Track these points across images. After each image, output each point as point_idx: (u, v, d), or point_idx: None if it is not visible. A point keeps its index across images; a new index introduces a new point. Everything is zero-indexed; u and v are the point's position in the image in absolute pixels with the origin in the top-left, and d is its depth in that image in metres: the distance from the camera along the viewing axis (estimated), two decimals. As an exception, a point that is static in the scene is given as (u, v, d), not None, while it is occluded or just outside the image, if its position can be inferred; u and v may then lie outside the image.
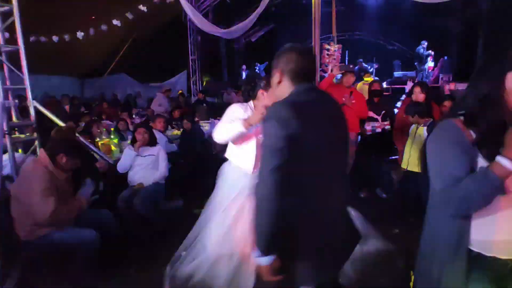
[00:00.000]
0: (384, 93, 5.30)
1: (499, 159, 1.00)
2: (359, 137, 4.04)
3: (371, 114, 3.87)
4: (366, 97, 4.05)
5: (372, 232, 2.24)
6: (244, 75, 11.75)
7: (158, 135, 3.80)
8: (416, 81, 8.52)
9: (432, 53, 9.44)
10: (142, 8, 6.02)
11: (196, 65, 10.15)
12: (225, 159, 2.23)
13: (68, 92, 8.23)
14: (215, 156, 4.72)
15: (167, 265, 2.37)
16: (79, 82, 10.62)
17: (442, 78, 8.89)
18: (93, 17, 6.00)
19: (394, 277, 2.40)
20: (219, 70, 11.90)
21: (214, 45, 10.68)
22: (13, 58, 3.22)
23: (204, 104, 7.52)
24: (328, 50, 6.82)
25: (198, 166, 4.29)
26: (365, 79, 6.87)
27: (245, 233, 1.81)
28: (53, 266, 2.40)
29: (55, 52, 6.77)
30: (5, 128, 2.87)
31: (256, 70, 12.31)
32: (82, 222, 2.45)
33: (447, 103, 3.52)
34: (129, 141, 3.66)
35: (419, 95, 3.22)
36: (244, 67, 11.95)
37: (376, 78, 8.96)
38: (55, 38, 5.78)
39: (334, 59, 6.34)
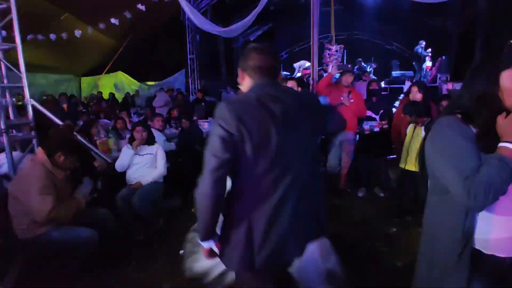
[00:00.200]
0: (382, 93, 5.32)
1: (506, 144, 1.05)
2: (357, 136, 4.05)
3: (369, 113, 3.88)
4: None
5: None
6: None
7: (156, 134, 3.79)
8: (414, 80, 8.55)
9: (430, 52, 9.47)
10: (140, 6, 6.00)
11: (195, 64, 10.14)
12: None
13: (66, 90, 8.21)
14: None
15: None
16: (77, 80, 10.58)
17: (440, 78, 8.92)
18: (91, 16, 5.98)
19: (392, 275, 2.41)
20: (218, 69, 11.89)
21: (212, 44, 10.66)
22: (11, 56, 3.21)
23: (203, 103, 7.52)
24: (329, 49, 6.84)
25: (196, 165, 4.28)
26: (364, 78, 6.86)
27: None
28: (51, 264, 2.40)
29: (52, 51, 6.75)
30: (2, 126, 2.86)
31: None
32: (81, 220, 2.45)
33: (445, 103, 3.54)
34: (127, 140, 3.65)
35: (416, 95, 3.23)
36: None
37: (374, 77, 8.98)
38: (52, 37, 5.74)
39: (336, 59, 6.36)
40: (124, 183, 3.35)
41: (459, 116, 1.16)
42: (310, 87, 4.63)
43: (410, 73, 9.99)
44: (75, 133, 3.50)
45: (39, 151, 2.46)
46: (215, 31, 7.35)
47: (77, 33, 5.77)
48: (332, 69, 3.79)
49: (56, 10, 5.86)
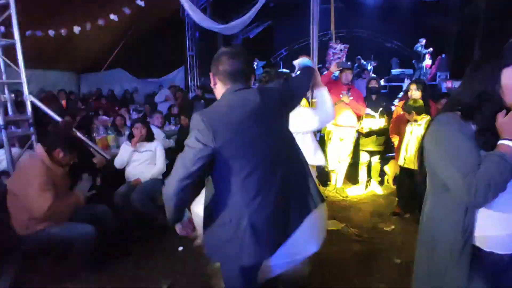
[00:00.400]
0: (382, 91, 5.31)
1: (506, 141, 1.05)
2: (356, 134, 4.06)
3: (368, 111, 3.89)
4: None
5: None
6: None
7: (155, 130, 3.79)
8: (413, 78, 8.54)
9: (431, 49, 9.45)
10: (140, 2, 5.97)
11: (194, 61, 10.10)
12: None
13: (65, 87, 8.18)
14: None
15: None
16: (76, 77, 10.55)
17: (439, 76, 8.92)
18: (90, 12, 5.94)
19: (390, 272, 2.42)
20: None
21: (212, 41, 10.62)
22: (9, 52, 3.20)
23: (202, 100, 7.50)
24: (334, 48, 6.81)
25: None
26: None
27: None
28: (50, 260, 2.41)
29: (51, 47, 6.72)
30: (1, 122, 2.85)
31: (254, 66, 12.28)
32: (79, 217, 2.45)
33: (444, 101, 3.55)
34: (126, 137, 3.65)
35: (415, 93, 3.23)
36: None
37: (374, 75, 8.96)
38: (51, 33, 5.71)
39: (339, 58, 6.34)
40: (123, 179, 3.35)
41: (459, 113, 1.16)
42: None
43: (410, 71, 9.98)
44: (74, 129, 3.50)
45: (38, 147, 2.46)
46: (215, 28, 7.32)
47: (76, 29, 5.74)
48: (332, 66, 3.78)
49: (55, 6, 5.82)
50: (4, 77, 3.14)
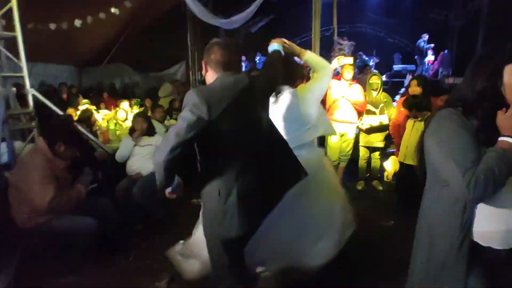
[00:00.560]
0: (383, 86, 5.28)
1: (506, 138, 1.06)
2: (357, 130, 4.06)
3: (369, 107, 3.88)
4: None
5: None
6: (243, 66, 11.67)
7: (156, 125, 3.79)
8: (415, 74, 8.50)
9: (433, 45, 9.39)
10: (141, -4, 5.94)
11: (195, 55, 10.06)
12: None
13: (66, 80, 8.16)
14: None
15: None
16: (77, 70, 10.52)
17: (441, 72, 8.87)
18: (91, 5, 5.90)
19: (390, 268, 2.44)
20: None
21: (213, 36, 10.57)
22: (11, 46, 3.19)
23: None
24: (340, 44, 6.78)
25: (196, 156, 4.28)
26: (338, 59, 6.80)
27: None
28: (51, 253, 2.43)
29: (52, 40, 6.69)
30: (3, 116, 2.86)
31: (257, 61, 12.21)
32: (81, 210, 2.47)
33: (445, 98, 3.53)
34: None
35: (415, 89, 3.22)
36: (243, 58, 11.86)
37: (376, 71, 8.92)
38: (52, 26, 5.68)
39: (344, 55, 6.31)
40: (124, 173, 3.36)
41: (460, 108, 1.16)
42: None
43: (412, 67, 9.93)
44: (75, 123, 3.51)
45: (40, 140, 2.47)
46: (216, 22, 7.27)
47: (77, 22, 5.71)
48: (333, 62, 3.77)
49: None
50: (5, 70, 3.14)
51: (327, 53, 6.62)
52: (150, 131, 3.42)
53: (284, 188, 1.56)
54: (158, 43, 9.66)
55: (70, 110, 4.36)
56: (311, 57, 2.01)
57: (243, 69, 12.44)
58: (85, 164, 2.81)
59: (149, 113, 4.25)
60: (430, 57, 9.51)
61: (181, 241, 2.79)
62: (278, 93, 1.99)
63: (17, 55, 3.15)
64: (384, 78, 9.03)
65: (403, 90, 7.85)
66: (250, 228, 1.46)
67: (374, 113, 3.87)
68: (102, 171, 3.05)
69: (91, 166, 2.76)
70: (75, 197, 2.46)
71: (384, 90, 4.04)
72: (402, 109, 3.37)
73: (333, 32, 7.34)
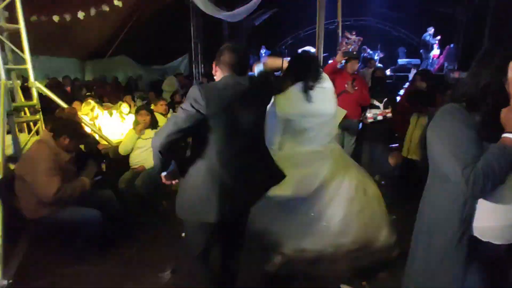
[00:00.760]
0: (387, 80, 5.26)
1: (509, 135, 1.05)
2: (360, 124, 4.04)
3: (373, 101, 3.86)
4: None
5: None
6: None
7: (159, 118, 3.81)
8: (420, 69, 8.42)
9: (439, 37, 9.26)
10: (144, -12, 5.89)
11: (199, 48, 10.01)
12: None
13: (69, 73, 8.18)
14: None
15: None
16: (81, 63, 10.53)
17: (447, 67, 8.77)
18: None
19: (392, 262, 2.45)
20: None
21: (217, 28, 10.49)
22: (14, 38, 3.20)
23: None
24: (348, 39, 6.72)
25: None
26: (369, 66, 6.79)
27: None
28: (57, 244, 2.47)
29: (56, 33, 6.69)
30: (8, 108, 2.88)
31: (261, 54, 12.12)
32: (85, 202, 2.50)
33: (449, 92, 3.51)
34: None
35: (419, 83, 3.20)
36: (247, 51, 11.78)
37: (380, 65, 8.85)
38: (55, 18, 5.68)
39: (351, 49, 6.26)
40: (127, 166, 3.39)
41: (463, 104, 1.16)
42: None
43: (417, 61, 9.82)
44: (79, 116, 3.52)
45: (44, 133, 2.49)
46: (219, 15, 7.22)
47: (80, 14, 5.70)
48: (338, 55, 3.74)
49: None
50: (10, 63, 3.15)
51: (331, 46, 6.56)
52: (153, 124, 3.43)
53: (263, 189, 1.71)
54: (161, 36, 9.62)
55: (76, 103, 4.38)
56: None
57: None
58: (89, 156, 2.84)
59: (152, 106, 4.26)
60: (435, 51, 9.39)
61: (183, 234, 2.83)
62: (309, 88, 2.07)
63: (21, 47, 3.16)
64: (388, 72, 8.96)
65: (407, 84, 7.78)
66: (222, 219, 1.55)
67: (378, 107, 3.85)
68: (106, 164, 3.08)
69: (95, 159, 2.78)
70: (80, 189, 2.49)
71: (388, 84, 4.01)
72: (406, 103, 3.35)
73: (337, 25, 7.27)
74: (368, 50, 10.24)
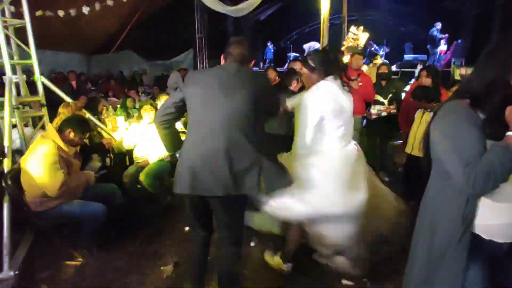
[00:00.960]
0: (393, 76, 5.20)
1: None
2: (365, 120, 4.02)
3: (377, 97, 3.83)
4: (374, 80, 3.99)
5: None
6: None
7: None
8: (427, 64, 8.31)
9: (447, 35, 9.13)
10: (149, -17, 5.89)
11: (203, 43, 9.99)
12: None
13: (75, 68, 8.23)
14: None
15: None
16: (86, 58, 10.58)
17: (454, 62, 8.65)
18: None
19: (394, 258, 2.45)
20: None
21: (221, 23, 10.45)
22: (20, 33, 3.22)
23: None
24: (354, 34, 6.67)
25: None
26: (374, 61, 6.73)
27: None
28: (62, 236, 2.51)
29: (61, 28, 6.72)
30: (13, 103, 2.91)
31: (269, 48, 12.05)
32: (90, 196, 2.53)
33: (454, 89, 3.47)
34: (135, 118, 3.69)
35: (425, 79, 3.16)
36: (251, 46, 11.73)
37: (386, 61, 8.76)
38: (60, 13, 5.70)
39: (356, 46, 6.21)
40: (131, 160, 3.42)
41: (467, 101, 1.14)
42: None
43: (424, 56, 9.69)
44: (84, 110, 3.55)
45: (50, 127, 2.51)
46: (224, 10, 7.19)
47: (85, 9, 5.72)
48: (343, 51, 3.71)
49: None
50: (15, 57, 3.17)
51: (336, 41, 6.51)
52: (157, 119, 3.44)
53: (233, 179, 1.64)
54: (166, 30, 9.62)
55: (81, 98, 4.41)
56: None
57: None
58: (93, 150, 2.87)
59: (157, 101, 4.28)
60: (442, 46, 9.26)
61: (187, 228, 2.85)
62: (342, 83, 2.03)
63: (26, 42, 3.18)
64: (394, 68, 8.87)
65: (413, 80, 7.70)
66: (184, 191, 1.69)
67: (382, 103, 3.82)
68: (110, 158, 3.10)
69: (99, 152, 2.81)
70: (84, 183, 2.52)
71: (393, 80, 3.97)
72: (411, 99, 3.32)
73: (342, 20, 7.21)
74: (374, 46, 10.14)
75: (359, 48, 6.46)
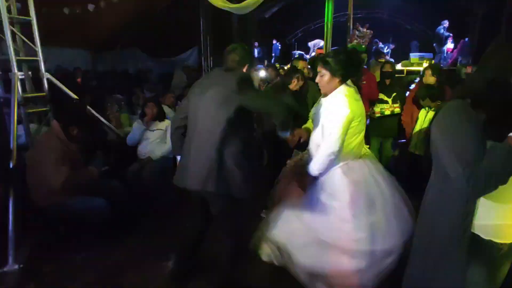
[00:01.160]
0: (397, 75, 5.16)
1: None
2: (368, 119, 3.99)
3: (381, 95, 3.80)
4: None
5: None
6: (256, 51, 11.54)
7: (167, 110, 3.84)
8: (433, 63, 8.23)
9: (452, 33, 9.03)
10: (154, -20, 5.89)
11: (208, 41, 9.98)
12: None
13: (80, 65, 8.28)
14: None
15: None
16: (91, 55, 10.63)
17: (460, 61, 8.54)
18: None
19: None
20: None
21: (226, 21, 10.43)
22: (26, 30, 3.25)
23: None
24: (359, 31, 6.63)
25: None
26: (379, 60, 6.69)
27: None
28: (65, 231, 2.54)
29: (67, 25, 6.76)
30: (19, 99, 2.95)
31: (277, 45, 12.02)
32: (93, 191, 2.55)
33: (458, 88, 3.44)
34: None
35: (429, 78, 3.14)
36: (256, 43, 11.71)
37: (391, 59, 8.69)
38: (66, 10, 5.75)
39: (362, 43, 6.17)
40: (135, 157, 3.44)
41: (469, 100, 1.14)
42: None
43: (430, 55, 9.58)
44: (88, 107, 3.57)
45: (54, 123, 2.54)
46: (228, 7, 7.17)
47: (90, 6, 5.75)
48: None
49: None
50: (21, 54, 3.20)
51: (341, 39, 6.46)
52: (161, 116, 3.46)
53: (214, 179, 1.79)
54: (171, 28, 9.62)
55: (87, 95, 4.43)
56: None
57: (256, 55, 12.20)
58: (97, 147, 2.89)
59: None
60: (449, 45, 9.15)
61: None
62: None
63: (32, 39, 3.21)
64: (399, 66, 8.79)
65: (417, 79, 7.63)
66: (179, 184, 1.91)
67: (386, 102, 3.79)
68: (114, 155, 3.13)
69: (103, 149, 2.83)
70: (88, 179, 2.55)
71: (397, 79, 3.94)
72: (414, 98, 3.29)
73: (348, 18, 7.15)
74: (380, 44, 10.06)
75: (363, 46, 6.41)
